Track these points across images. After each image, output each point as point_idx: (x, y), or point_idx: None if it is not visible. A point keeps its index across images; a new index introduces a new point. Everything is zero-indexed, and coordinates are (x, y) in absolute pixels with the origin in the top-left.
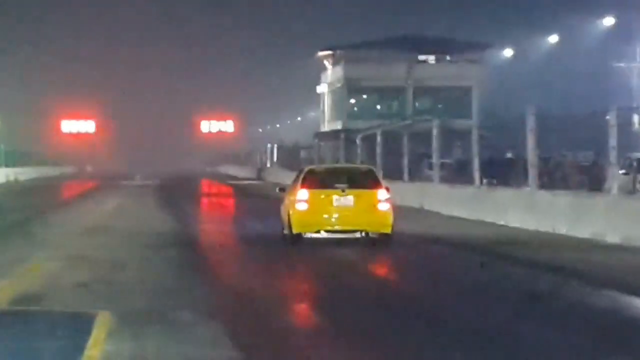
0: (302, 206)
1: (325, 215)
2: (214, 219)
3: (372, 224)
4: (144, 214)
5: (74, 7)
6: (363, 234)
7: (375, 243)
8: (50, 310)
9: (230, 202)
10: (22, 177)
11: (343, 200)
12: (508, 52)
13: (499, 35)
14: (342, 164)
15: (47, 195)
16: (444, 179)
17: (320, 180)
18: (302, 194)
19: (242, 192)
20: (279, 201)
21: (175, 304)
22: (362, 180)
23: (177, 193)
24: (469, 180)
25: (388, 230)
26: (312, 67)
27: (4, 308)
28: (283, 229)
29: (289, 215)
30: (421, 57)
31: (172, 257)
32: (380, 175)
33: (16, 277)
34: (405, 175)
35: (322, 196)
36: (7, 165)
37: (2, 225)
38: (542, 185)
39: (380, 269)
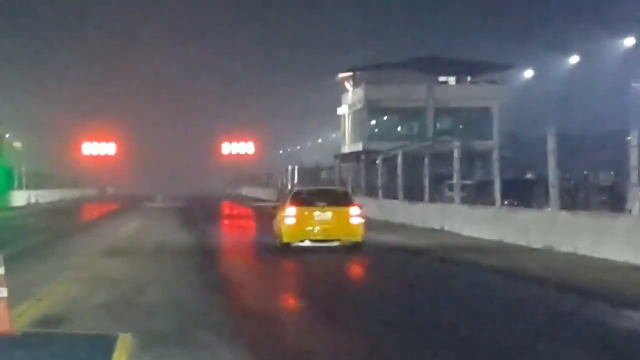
0: (290, 220)
1: (309, 228)
2: (234, 241)
3: (346, 234)
4: (165, 235)
5: (95, 31)
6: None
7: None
8: (71, 333)
9: (251, 224)
10: (43, 199)
11: (323, 215)
12: (529, 73)
13: (519, 56)
14: (322, 186)
15: (68, 217)
16: (464, 200)
17: (305, 199)
18: (290, 210)
19: (262, 214)
20: None
21: (196, 325)
22: (338, 199)
23: (198, 215)
24: (490, 201)
25: (359, 240)
26: (333, 89)
27: (25, 330)
28: (275, 238)
29: (280, 228)
30: (441, 78)
31: (193, 278)
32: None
33: (37, 298)
34: (426, 197)
35: (306, 212)
36: (28, 188)
37: (23, 247)
38: (563, 206)
39: (353, 270)
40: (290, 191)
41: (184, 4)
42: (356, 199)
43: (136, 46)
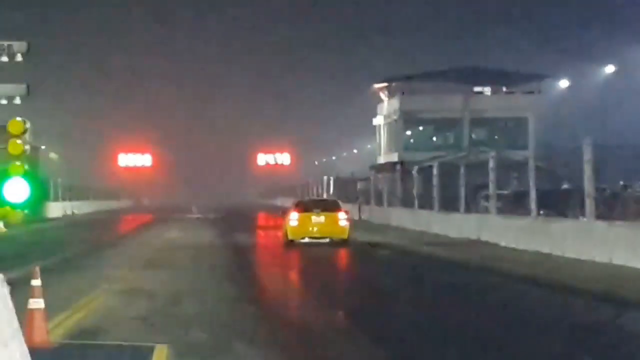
0: (294, 223)
1: (308, 228)
2: (270, 253)
3: (335, 233)
4: (200, 247)
5: (132, 44)
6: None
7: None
8: (107, 344)
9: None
10: (79, 211)
11: (318, 219)
12: (564, 83)
13: (554, 66)
14: (317, 197)
15: (103, 229)
16: (500, 210)
17: (305, 206)
18: (294, 215)
19: None
20: None
21: (232, 336)
22: (329, 206)
23: (233, 225)
24: (526, 212)
25: (345, 237)
26: (368, 100)
27: (61, 341)
28: (283, 236)
29: (286, 228)
30: (477, 89)
31: (229, 289)
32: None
33: (74, 310)
34: (462, 207)
35: (304, 217)
36: (64, 199)
37: (59, 258)
38: (599, 216)
39: (339, 258)
40: (294, 201)
41: (222, 19)
42: (392, 210)
43: (172, 58)
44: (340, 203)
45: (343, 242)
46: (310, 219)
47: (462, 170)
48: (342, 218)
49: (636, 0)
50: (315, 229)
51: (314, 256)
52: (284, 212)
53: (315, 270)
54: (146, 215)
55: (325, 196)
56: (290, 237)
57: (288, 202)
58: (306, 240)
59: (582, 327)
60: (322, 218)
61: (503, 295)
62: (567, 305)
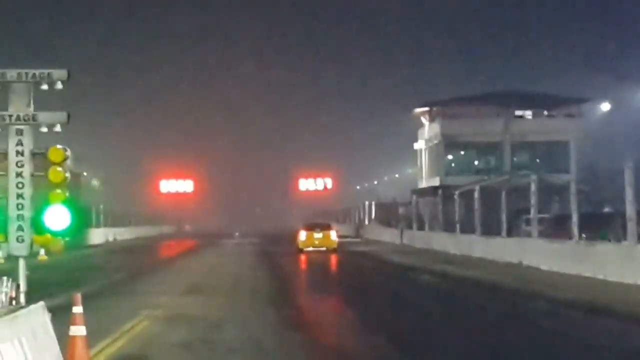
0: (302, 237)
1: (312, 242)
2: (311, 278)
3: (329, 245)
4: (242, 272)
5: (173, 70)
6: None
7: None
8: None
9: (328, 259)
10: (120, 237)
11: (318, 235)
12: (605, 106)
13: (595, 89)
14: (318, 221)
15: (145, 255)
16: (542, 234)
17: (309, 227)
18: (302, 233)
19: (340, 250)
20: (373, 259)
21: None
22: (325, 227)
23: (276, 251)
24: (568, 235)
25: (335, 247)
26: (409, 124)
27: None
28: (295, 246)
29: (298, 241)
30: (518, 112)
31: (270, 315)
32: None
33: (116, 336)
34: (504, 231)
35: (309, 234)
36: (106, 225)
37: (101, 285)
38: None
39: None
40: (303, 224)
41: (264, 49)
42: (434, 234)
43: (214, 86)
44: (333, 224)
45: (334, 250)
46: (313, 236)
47: (503, 194)
48: (333, 235)
49: None
50: (316, 242)
51: (315, 259)
52: (296, 231)
53: (316, 268)
54: (188, 241)
55: (366, 221)
56: (300, 247)
57: None
58: (310, 249)
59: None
60: (320, 235)
61: (549, 321)
62: (614, 330)
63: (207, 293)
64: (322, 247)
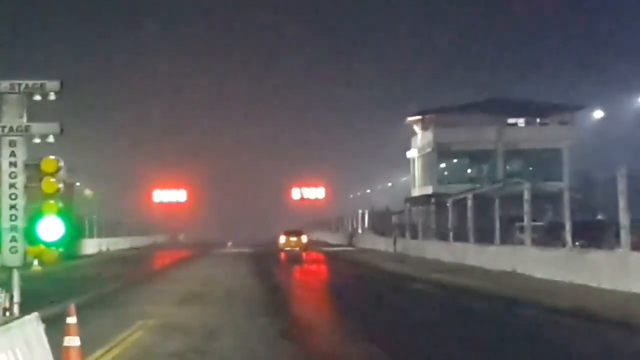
0: (282, 240)
1: (288, 243)
2: (304, 287)
3: (300, 245)
4: (235, 282)
5: (167, 81)
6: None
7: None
8: None
9: (322, 269)
10: (114, 247)
11: (292, 239)
12: (598, 114)
13: (588, 97)
14: (293, 228)
15: (138, 265)
16: (535, 242)
17: (287, 233)
18: (282, 237)
19: (333, 259)
20: (366, 268)
21: None
22: (298, 232)
23: (269, 260)
24: (561, 243)
25: (304, 247)
26: (402, 132)
27: None
28: (276, 247)
29: (278, 243)
30: (510, 120)
31: (264, 325)
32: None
33: (110, 347)
34: (497, 239)
35: (287, 238)
36: (99, 236)
37: (94, 295)
38: (635, 247)
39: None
40: (283, 231)
41: (256, 58)
42: (427, 243)
43: (206, 95)
44: (303, 230)
45: (305, 249)
46: (289, 239)
47: (496, 202)
48: (304, 238)
49: None
50: (292, 243)
51: (292, 255)
52: (276, 236)
53: (293, 262)
54: (181, 250)
55: (360, 230)
56: (280, 247)
57: (323, 236)
58: (288, 249)
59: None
60: (295, 238)
61: (540, 329)
62: (607, 337)
63: (200, 301)
64: (296, 247)
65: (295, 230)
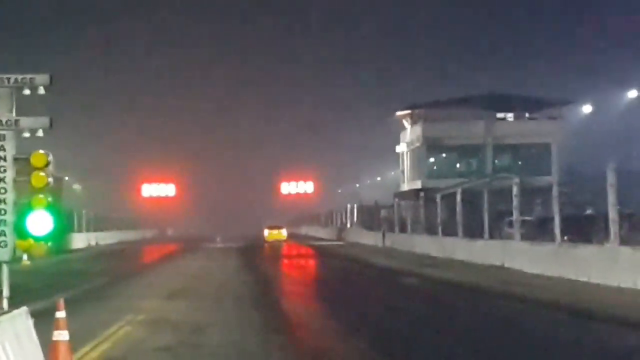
0: (266, 234)
1: (272, 236)
2: (293, 281)
3: (281, 238)
4: (224, 277)
5: (156, 76)
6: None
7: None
8: None
9: (311, 263)
10: (102, 242)
11: (275, 232)
12: (587, 108)
13: (577, 91)
14: (275, 223)
15: (127, 260)
16: (524, 237)
17: (270, 227)
18: (266, 231)
19: (322, 253)
20: (355, 262)
21: None
22: (280, 226)
23: (258, 255)
24: (550, 238)
25: (285, 239)
26: (391, 127)
27: None
28: (262, 240)
29: (264, 236)
30: (499, 115)
31: (253, 319)
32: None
33: (99, 341)
34: (486, 234)
35: (269, 231)
36: (88, 230)
37: (83, 290)
38: (624, 241)
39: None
40: (266, 225)
41: (243, 52)
42: (416, 237)
43: (194, 90)
44: (284, 224)
45: (285, 240)
46: (272, 232)
47: (485, 196)
48: (284, 232)
49: None
50: (274, 235)
51: (275, 245)
52: (262, 229)
53: (276, 251)
54: (170, 245)
55: (349, 224)
56: (266, 239)
57: (312, 230)
58: (271, 241)
59: (612, 353)
60: (276, 231)
61: (530, 322)
62: (595, 331)
63: (188, 296)
64: (278, 239)
65: (276, 225)
